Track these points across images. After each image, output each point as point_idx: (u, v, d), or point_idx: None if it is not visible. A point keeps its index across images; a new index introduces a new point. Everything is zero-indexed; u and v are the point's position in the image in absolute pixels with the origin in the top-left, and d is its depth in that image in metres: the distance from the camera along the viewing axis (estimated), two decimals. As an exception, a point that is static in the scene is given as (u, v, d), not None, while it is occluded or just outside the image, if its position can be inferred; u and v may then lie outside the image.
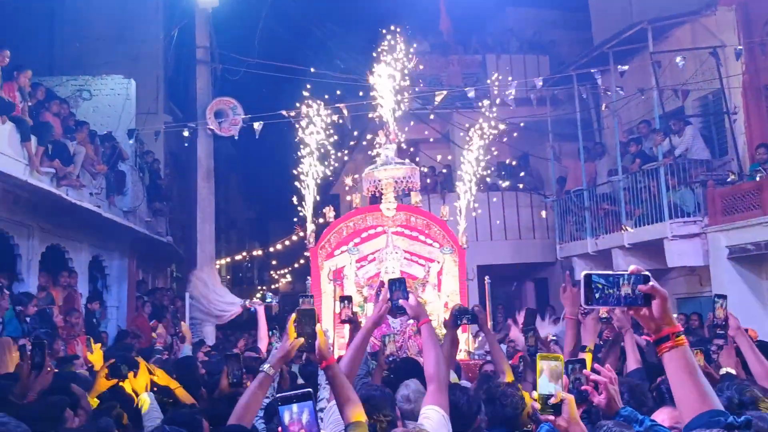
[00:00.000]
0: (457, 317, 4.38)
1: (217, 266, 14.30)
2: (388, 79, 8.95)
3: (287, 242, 25.53)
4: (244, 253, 31.43)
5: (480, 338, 8.64)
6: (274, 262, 31.79)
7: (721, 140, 12.28)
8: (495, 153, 11.64)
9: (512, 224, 15.85)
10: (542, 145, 15.69)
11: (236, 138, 12.96)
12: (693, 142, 11.78)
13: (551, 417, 2.00)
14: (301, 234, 20.55)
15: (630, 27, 12.16)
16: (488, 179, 16.50)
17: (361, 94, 11.28)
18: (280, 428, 1.83)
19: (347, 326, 5.33)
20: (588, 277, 1.81)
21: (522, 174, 16.07)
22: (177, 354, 7.89)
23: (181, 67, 15.67)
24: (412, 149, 14.99)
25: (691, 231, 11.24)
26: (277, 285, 32.42)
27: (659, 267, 11.59)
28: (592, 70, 11.71)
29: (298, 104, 10.07)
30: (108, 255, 13.03)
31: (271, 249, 28.93)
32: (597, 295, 1.80)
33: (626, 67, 11.78)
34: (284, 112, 10.77)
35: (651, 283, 1.80)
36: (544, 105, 14.64)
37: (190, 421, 3.32)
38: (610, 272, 1.82)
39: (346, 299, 4.84)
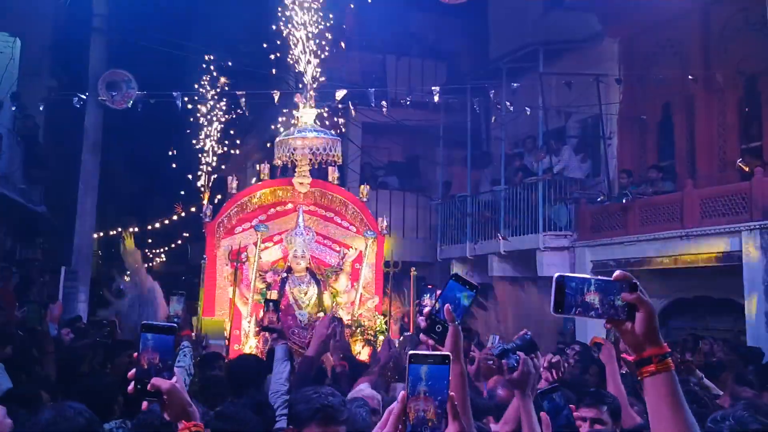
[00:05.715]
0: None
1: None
2: (300, 27, 7.97)
3: (167, 221, 24.77)
4: (120, 229, 30.16)
5: (401, 338, 7.86)
6: (150, 240, 30.73)
7: (595, 162, 13.21)
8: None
9: (397, 222, 16.24)
10: (432, 149, 16.20)
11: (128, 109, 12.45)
12: (570, 161, 12.61)
13: (431, 342, 1.77)
14: (182, 213, 19.98)
15: (523, 47, 12.86)
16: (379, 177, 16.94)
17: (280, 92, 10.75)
18: (136, 354, 1.74)
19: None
20: (561, 279, 1.53)
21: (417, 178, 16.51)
22: None
23: (72, 32, 14.89)
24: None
25: (562, 244, 12.06)
26: (150, 264, 31.36)
27: (530, 275, 12.32)
28: (486, 85, 12.25)
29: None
30: (-26, 221, 12.28)
31: (149, 227, 27.93)
32: (567, 302, 1.52)
33: (516, 85, 12.41)
34: (176, 93, 10.47)
35: (637, 293, 1.52)
36: (438, 111, 15.12)
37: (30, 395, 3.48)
38: (587, 276, 1.55)
39: (271, 303, 4.44)
